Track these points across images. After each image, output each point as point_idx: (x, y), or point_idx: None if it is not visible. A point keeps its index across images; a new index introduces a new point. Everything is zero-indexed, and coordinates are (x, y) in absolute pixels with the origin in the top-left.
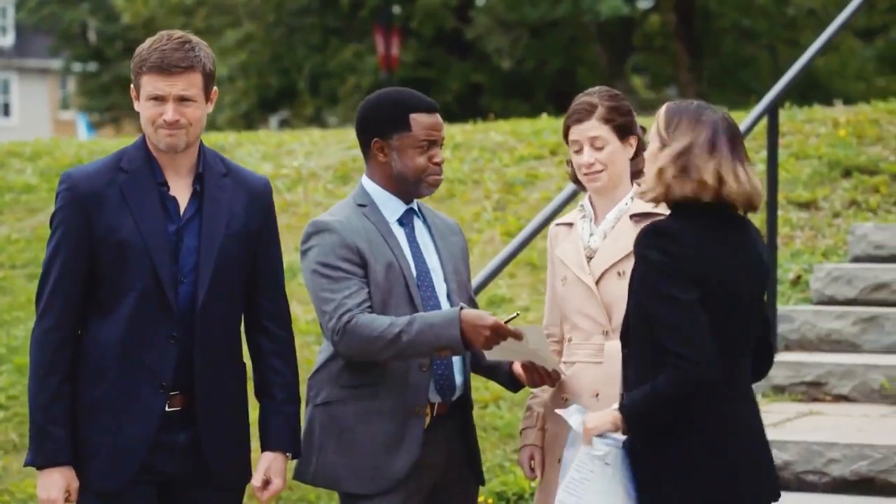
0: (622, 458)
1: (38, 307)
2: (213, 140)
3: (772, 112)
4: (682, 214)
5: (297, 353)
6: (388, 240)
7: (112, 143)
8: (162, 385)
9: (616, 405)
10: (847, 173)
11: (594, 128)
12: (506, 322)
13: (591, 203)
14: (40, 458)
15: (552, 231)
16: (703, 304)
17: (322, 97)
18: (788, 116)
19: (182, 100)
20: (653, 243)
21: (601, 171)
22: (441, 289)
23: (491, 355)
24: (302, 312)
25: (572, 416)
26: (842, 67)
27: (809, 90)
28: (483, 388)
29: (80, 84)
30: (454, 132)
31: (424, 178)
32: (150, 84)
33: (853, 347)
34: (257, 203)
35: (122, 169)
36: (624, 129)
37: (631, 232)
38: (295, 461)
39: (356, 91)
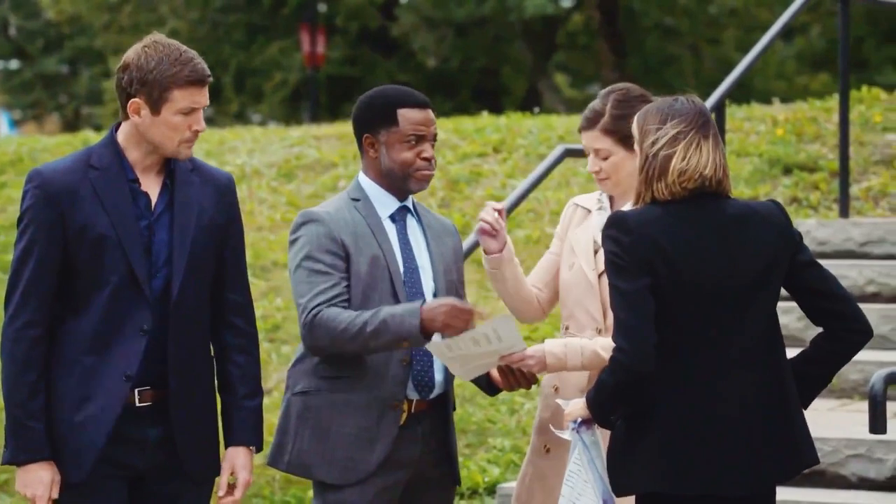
0: (578, 441)
1: (8, 305)
2: None
3: (718, 109)
4: (659, 202)
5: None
6: (377, 234)
7: (53, 140)
8: (127, 375)
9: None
10: (787, 171)
11: (597, 139)
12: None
13: (609, 195)
14: (21, 454)
15: (570, 208)
16: (654, 293)
17: (247, 94)
18: (728, 114)
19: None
20: (606, 233)
21: (606, 178)
22: (428, 287)
23: (464, 375)
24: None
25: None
26: (763, 66)
27: (732, 89)
28: None
29: (1, 81)
30: None
31: (412, 172)
32: (187, 97)
33: (799, 342)
34: (224, 198)
35: (92, 166)
36: (632, 140)
37: None
38: (267, 450)
39: (282, 88)
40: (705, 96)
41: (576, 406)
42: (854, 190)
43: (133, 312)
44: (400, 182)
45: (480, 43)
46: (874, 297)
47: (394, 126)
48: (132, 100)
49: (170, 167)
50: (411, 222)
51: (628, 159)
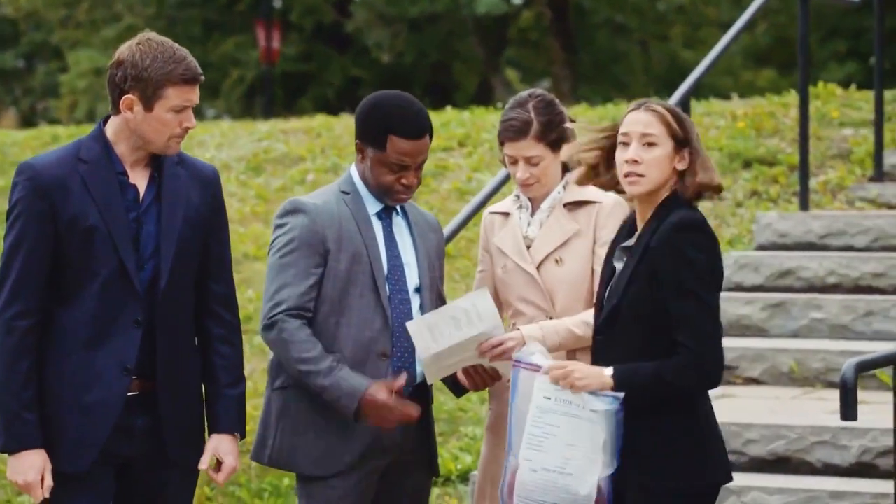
0: (612, 416)
1: None
2: None
3: (684, 104)
4: (686, 204)
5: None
6: (363, 230)
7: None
8: (126, 368)
9: (608, 370)
10: (747, 164)
11: (529, 147)
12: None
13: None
14: (14, 442)
15: (487, 219)
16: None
17: (204, 90)
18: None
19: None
20: (695, 238)
21: (535, 183)
22: (412, 283)
23: (435, 373)
24: None
25: (534, 356)
26: (713, 62)
27: (678, 83)
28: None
29: None
30: None
31: (389, 194)
32: (180, 95)
33: (762, 332)
34: (209, 190)
35: (81, 159)
36: (558, 142)
37: (565, 220)
38: (251, 444)
39: (238, 84)
40: (654, 92)
41: (591, 377)
42: (812, 183)
43: (125, 304)
44: (377, 195)
45: (433, 39)
46: (834, 288)
47: (381, 149)
48: (126, 96)
49: (157, 160)
50: (397, 219)
51: (555, 160)
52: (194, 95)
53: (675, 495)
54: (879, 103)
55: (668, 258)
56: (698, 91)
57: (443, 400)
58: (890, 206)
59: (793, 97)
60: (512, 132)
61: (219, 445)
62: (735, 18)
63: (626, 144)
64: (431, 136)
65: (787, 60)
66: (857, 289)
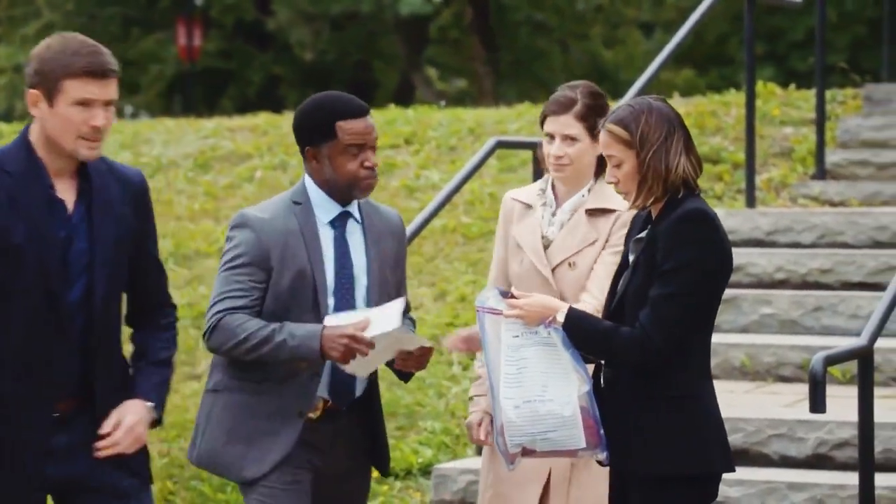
0: (563, 338)
1: None
2: None
3: None
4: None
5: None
6: (309, 244)
7: None
8: (55, 388)
9: (562, 313)
10: None
11: (569, 124)
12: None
13: (553, 190)
14: None
15: (508, 203)
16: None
17: (123, 86)
18: None
19: (108, 105)
20: (697, 231)
21: (568, 164)
22: (361, 296)
23: (358, 371)
24: None
25: (489, 300)
26: (628, 60)
27: (598, 82)
28: None
29: None
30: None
31: (356, 183)
32: (80, 88)
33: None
34: (139, 197)
35: (5, 171)
36: (596, 129)
37: (585, 227)
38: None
39: (157, 81)
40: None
41: (540, 310)
42: (756, 181)
43: (52, 323)
44: (345, 192)
45: (355, 37)
46: (783, 284)
47: (334, 139)
48: (29, 91)
49: (85, 170)
50: (352, 227)
51: (591, 148)
52: (99, 90)
53: (678, 481)
54: (821, 102)
55: (665, 245)
56: (617, 88)
57: (400, 394)
58: (832, 204)
59: (734, 96)
60: (555, 106)
61: (127, 405)
62: (654, 19)
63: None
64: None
65: (704, 61)
66: (805, 285)
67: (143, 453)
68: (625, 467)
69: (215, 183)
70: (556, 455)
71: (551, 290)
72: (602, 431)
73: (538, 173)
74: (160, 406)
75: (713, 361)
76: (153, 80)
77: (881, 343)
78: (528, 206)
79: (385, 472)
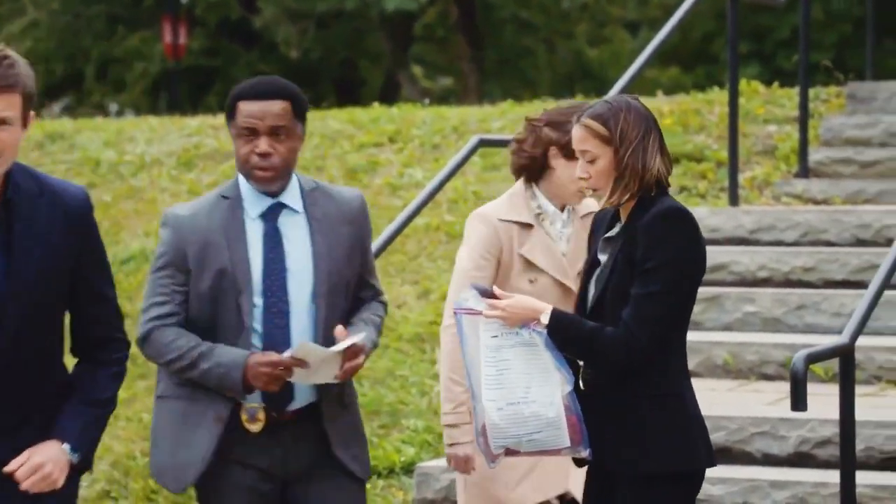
0: (545, 340)
1: None
2: (51, 128)
3: None
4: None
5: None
6: (234, 241)
7: None
8: None
9: (545, 315)
10: (675, 161)
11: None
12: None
13: (552, 204)
14: None
15: (496, 225)
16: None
17: (109, 85)
18: None
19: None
20: (678, 228)
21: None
22: (301, 293)
23: (302, 381)
24: None
25: (469, 301)
26: (613, 59)
27: (583, 80)
28: None
29: None
30: None
31: (249, 171)
32: None
33: (696, 325)
34: (77, 222)
35: None
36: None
37: (584, 233)
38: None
39: (143, 79)
40: (559, 88)
41: (524, 312)
42: (739, 179)
43: None
44: (248, 179)
45: (341, 35)
46: (765, 282)
47: (234, 119)
48: None
49: (6, 196)
50: (289, 219)
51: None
52: None
53: (664, 479)
54: (804, 101)
55: (646, 243)
56: (605, 90)
57: (383, 392)
58: (816, 202)
59: (717, 95)
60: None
61: (39, 446)
62: (640, 17)
63: (576, 159)
64: (298, 109)
65: (690, 59)
66: (788, 283)
67: (58, 496)
68: (613, 467)
69: (199, 181)
70: (540, 454)
71: (571, 302)
72: (584, 428)
73: None
74: (80, 449)
75: (696, 360)
76: (138, 78)
77: (864, 341)
78: (529, 226)
79: (360, 477)
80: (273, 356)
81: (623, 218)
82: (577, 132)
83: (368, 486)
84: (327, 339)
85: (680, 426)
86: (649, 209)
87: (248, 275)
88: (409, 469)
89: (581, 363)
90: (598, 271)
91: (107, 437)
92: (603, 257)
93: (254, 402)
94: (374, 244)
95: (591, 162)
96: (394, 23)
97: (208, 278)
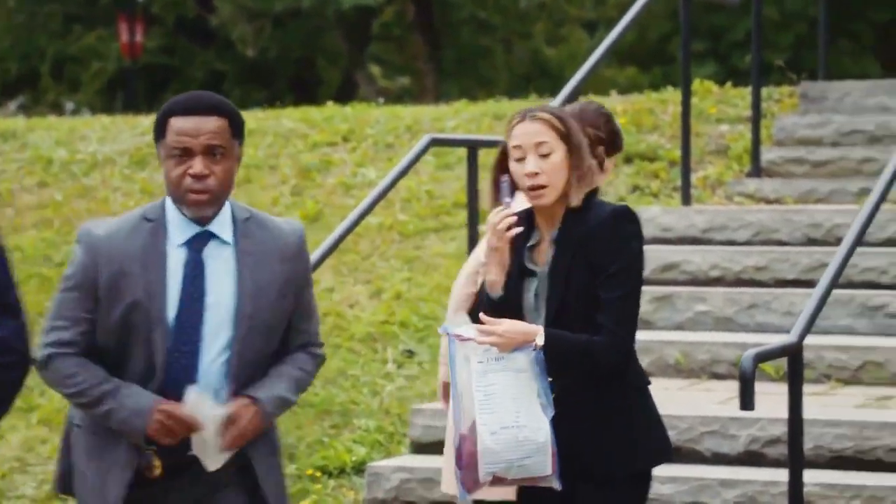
0: (535, 362)
1: None
2: (3, 127)
3: (569, 102)
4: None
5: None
6: (151, 270)
7: None
8: None
9: (540, 337)
10: (628, 160)
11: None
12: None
13: None
14: None
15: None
16: None
17: (65, 83)
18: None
19: None
20: (635, 228)
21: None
22: (217, 334)
23: (206, 459)
24: None
25: (461, 328)
26: (570, 58)
27: (540, 79)
28: None
29: None
30: (247, 118)
31: (181, 196)
32: None
33: (647, 325)
34: None
35: None
36: None
37: None
38: None
39: (98, 77)
40: (517, 88)
41: (517, 336)
42: (692, 178)
43: None
44: (179, 204)
45: (297, 34)
46: (717, 281)
47: (164, 138)
48: None
49: None
50: (216, 251)
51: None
52: None
53: (631, 477)
54: (756, 100)
55: (608, 246)
56: (560, 86)
57: (334, 392)
58: (768, 202)
59: (671, 94)
60: None
61: None
62: (597, 17)
63: (521, 159)
64: (236, 127)
65: (647, 59)
66: (740, 282)
67: None
68: (588, 469)
69: (151, 180)
70: (523, 482)
71: None
72: (558, 459)
73: (473, 172)
74: None
75: (648, 359)
76: (94, 77)
77: (814, 340)
78: None
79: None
80: (173, 408)
81: (550, 224)
82: (531, 126)
83: (319, 486)
84: (240, 390)
85: (648, 425)
86: (591, 211)
87: (163, 310)
88: (359, 469)
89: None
90: (537, 279)
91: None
92: (534, 266)
93: (149, 447)
94: (325, 243)
95: (546, 156)
96: (351, 22)
97: (119, 309)
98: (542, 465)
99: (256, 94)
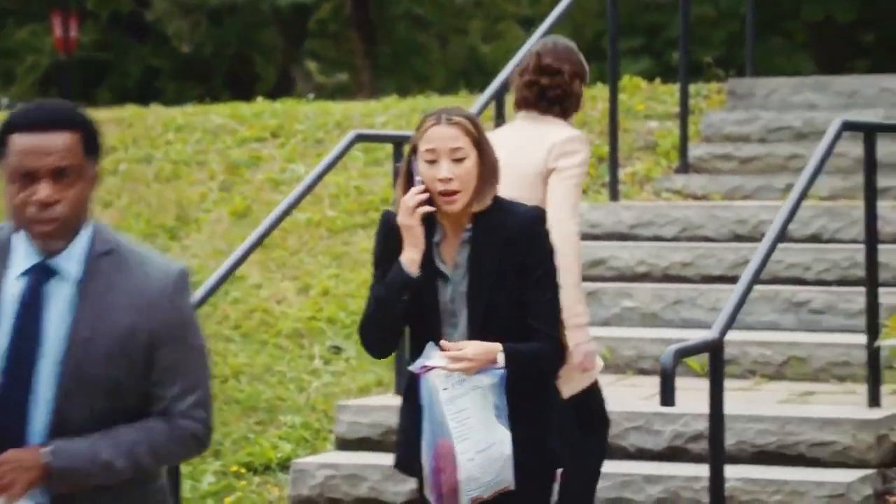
0: (497, 384)
1: None
2: None
3: (497, 98)
4: None
5: None
6: None
7: None
8: None
9: (500, 355)
10: None
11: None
12: None
13: None
14: None
15: None
16: None
17: None
18: (467, 102)
19: None
20: (547, 229)
21: None
22: (49, 384)
23: None
24: None
25: (432, 359)
26: (506, 55)
27: (476, 76)
28: (222, 364)
29: None
30: (175, 114)
31: (25, 224)
32: None
33: None
34: None
35: None
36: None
37: None
38: None
39: (32, 72)
40: (453, 84)
41: (481, 355)
42: (620, 174)
43: None
44: (27, 234)
45: (233, 30)
46: (644, 277)
47: (4, 158)
48: None
49: None
50: (56, 287)
51: None
52: None
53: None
54: (684, 97)
55: (535, 248)
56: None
57: (261, 388)
58: (695, 198)
59: (599, 90)
60: None
61: None
62: (533, 14)
63: (433, 162)
64: (90, 142)
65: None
66: (666, 278)
67: None
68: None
69: None
70: (493, 495)
71: None
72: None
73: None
74: None
75: None
76: (28, 71)
77: (739, 336)
78: None
79: None
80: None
81: (455, 224)
82: (446, 130)
83: (244, 482)
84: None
85: (556, 419)
86: (505, 211)
87: None
88: (285, 465)
89: None
90: (450, 280)
91: None
92: (443, 265)
93: None
94: (250, 238)
95: (461, 161)
96: (287, 18)
97: None
98: (508, 475)
99: (192, 90)
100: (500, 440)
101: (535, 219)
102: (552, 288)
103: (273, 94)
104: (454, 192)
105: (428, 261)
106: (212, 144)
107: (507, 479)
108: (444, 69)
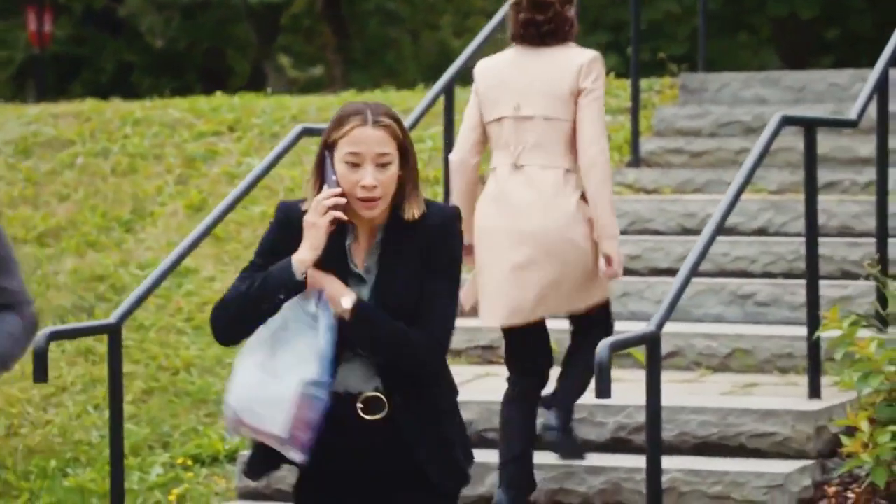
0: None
1: None
2: None
3: (448, 93)
4: None
5: None
6: None
7: None
8: None
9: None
10: None
11: None
12: None
13: None
14: None
15: None
16: None
17: None
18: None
19: None
20: (458, 227)
21: None
22: None
23: None
24: None
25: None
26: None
27: (447, 70)
28: (174, 356)
29: None
30: (133, 108)
31: None
32: None
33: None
34: None
35: None
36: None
37: None
38: None
39: (7, 67)
40: (425, 79)
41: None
42: None
43: None
44: None
45: (206, 25)
46: None
47: None
48: None
49: None
50: None
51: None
52: None
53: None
54: (636, 92)
55: (443, 243)
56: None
57: (211, 381)
58: (647, 191)
59: None
60: None
61: None
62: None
63: (356, 165)
64: None
65: None
66: None
67: None
68: (415, 471)
69: (36, 169)
70: (256, 433)
71: None
72: (310, 437)
73: None
74: None
75: None
76: (3, 66)
77: (684, 328)
78: None
79: None
80: None
81: (367, 227)
82: (373, 134)
83: (191, 474)
84: None
85: (460, 436)
86: (428, 212)
87: None
88: (232, 457)
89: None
90: (367, 284)
91: None
92: (356, 267)
93: None
94: (197, 228)
95: (386, 165)
96: (259, 13)
97: None
98: (274, 421)
99: (166, 85)
100: (288, 381)
101: (449, 218)
102: (448, 281)
103: (247, 89)
104: (376, 199)
105: (340, 262)
106: (169, 138)
107: (272, 426)
108: (416, 63)
